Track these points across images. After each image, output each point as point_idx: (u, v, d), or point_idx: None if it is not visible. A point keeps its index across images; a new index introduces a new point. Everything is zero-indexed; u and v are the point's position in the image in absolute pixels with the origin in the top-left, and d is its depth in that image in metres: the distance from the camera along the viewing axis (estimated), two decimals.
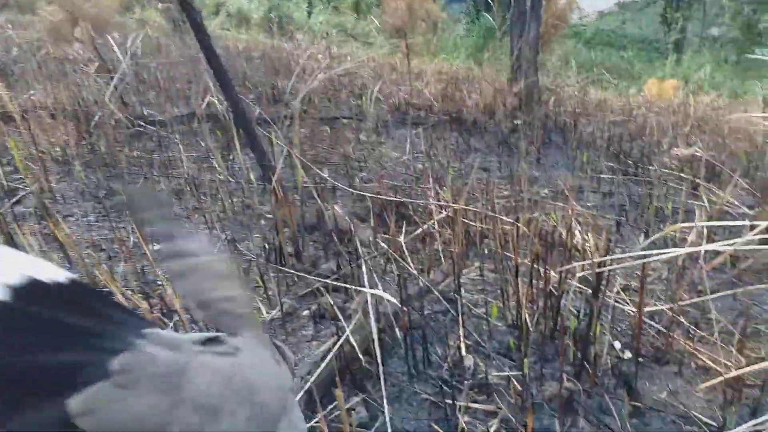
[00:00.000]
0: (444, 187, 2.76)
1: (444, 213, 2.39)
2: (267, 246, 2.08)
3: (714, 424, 1.46)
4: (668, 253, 1.53)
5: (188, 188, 2.73)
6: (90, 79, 4.11)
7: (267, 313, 1.83)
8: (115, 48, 4.43)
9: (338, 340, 1.48)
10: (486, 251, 2.36)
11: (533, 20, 4.49)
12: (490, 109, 4.75)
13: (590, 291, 1.61)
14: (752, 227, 1.64)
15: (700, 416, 1.49)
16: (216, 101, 3.60)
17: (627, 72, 9.74)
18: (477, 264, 2.25)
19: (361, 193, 2.68)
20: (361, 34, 9.75)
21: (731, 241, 1.46)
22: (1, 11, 8.62)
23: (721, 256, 1.43)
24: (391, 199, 2.55)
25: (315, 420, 1.24)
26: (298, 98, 2.89)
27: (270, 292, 1.91)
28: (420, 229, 2.37)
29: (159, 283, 1.86)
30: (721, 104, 6.30)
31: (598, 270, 1.45)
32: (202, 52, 2.06)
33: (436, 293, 1.89)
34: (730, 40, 12.53)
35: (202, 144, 3.33)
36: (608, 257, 1.52)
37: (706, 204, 2.63)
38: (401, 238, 2.20)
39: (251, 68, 5.60)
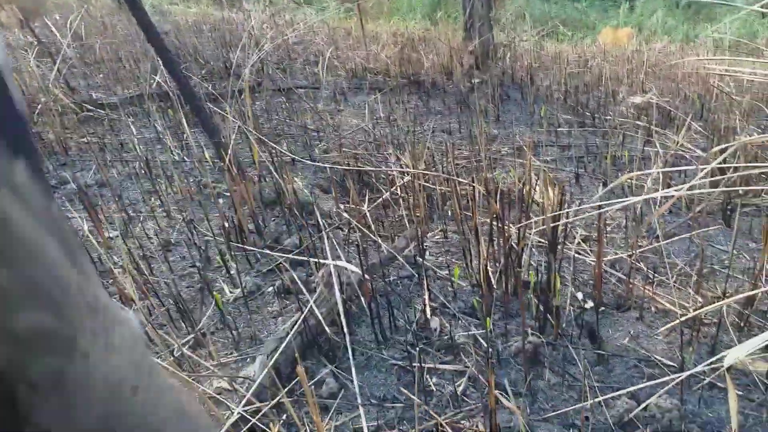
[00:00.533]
0: (405, 152, 2.75)
1: (406, 178, 2.38)
2: (226, 225, 2.05)
3: (674, 365, 1.51)
4: (623, 202, 1.55)
5: (143, 171, 2.66)
6: (31, 65, 3.94)
7: (230, 292, 1.81)
8: (51, 30, 4.24)
9: (303, 314, 1.48)
10: (449, 213, 2.36)
11: None
12: (448, 69, 4.71)
13: (548, 244, 1.63)
14: (703, 169, 1.67)
15: (660, 359, 1.54)
16: (165, 80, 3.49)
17: (582, 23, 9.75)
18: (441, 227, 2.25)
19: (321, 165, 2.65)
20: (313, 0, 9.52)
21: (683, 186, 1.49)
22: None
23: (672, 200, 1.46)
24: (353, 168, 2.52)
25: (278, 397, 1.24)
26: (246, 69, 2.82)
27: (232, 272, 1.89)
28: (382, 197, 2.36)
29: (115, 271, 1.82)
30: (674, 50, 6.37)
31: (553, 224, 1.46)
32: (141, 29, 1.98)
33: (401, 259, 1.89)
34: None
35: (154, 125, 3.24)
36: (563, 210, 1.53)
37: (661, 150, 2.67)
38: (365, 207, 2.19)
39: (202, 42, 5.44)
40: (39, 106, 3.29)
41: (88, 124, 3.40)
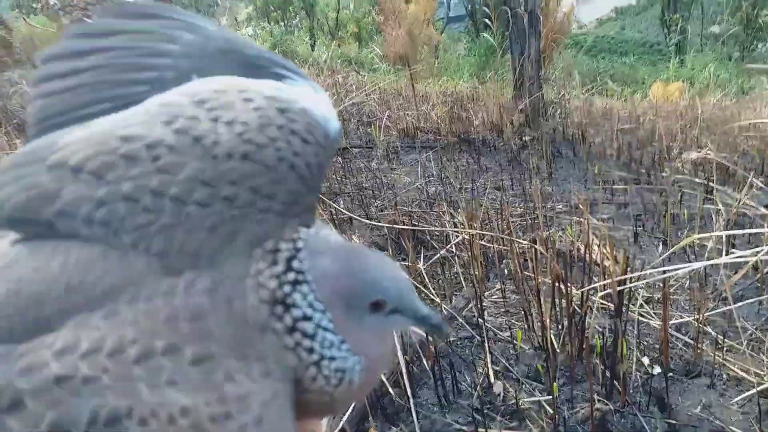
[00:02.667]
0: (458, 210, 2.78)
1: (460, 236, 2.40)
2: None
3: None
4: (689, 267, 1.53)
5: None
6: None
7: None
8: None
9: None
10: (506, 271, 2.36)
11: (533, 36, 4.54)
12: (498, 127, 4.78)
13: (613, 307, 1.61)
14: None
15: (736, 430, 1.48)
16: None
17: (631, 78, 9.76)
18: (498, 286, 2.25)
19: (377, 224, 2.70)
20: (364, 62, 9.88)
21: (752, 251, 1.46)
22: (15, 67, 8.84)
23: (745, 267, 1.43)
24: (408, 228, 2.57)
25: None
26: None
27: None
28: (438, 254, 2.38)
29: None
30: (728, 103, 6.28)
31: (619, 288, 1.46)
32: None
33: (460, 319, 1.90)
34: (732, 37, 12.54)
35: None
36: (629, 275, 1.53)
37: (722, 208, 2.62)
38: (420, 264, 2.22)
39: None
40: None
41: None
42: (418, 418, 1.47)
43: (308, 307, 0.34)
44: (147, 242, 0.34)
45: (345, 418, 1.35)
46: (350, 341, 0.36)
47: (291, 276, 0.34)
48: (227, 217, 0.36)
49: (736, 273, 2.18)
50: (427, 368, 1.65)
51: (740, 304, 2.03)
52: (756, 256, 1.38)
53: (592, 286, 1.67)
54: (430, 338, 1.59)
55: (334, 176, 3.65)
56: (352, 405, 1.39)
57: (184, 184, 0.35)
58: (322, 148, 0.40)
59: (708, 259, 2.35)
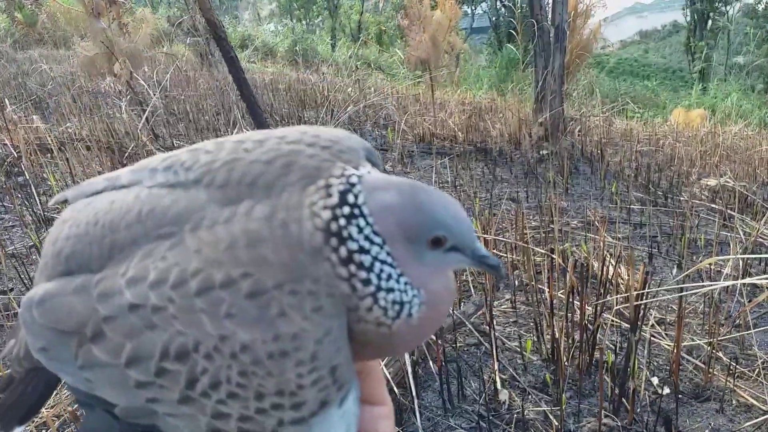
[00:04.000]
0: (472, 218, 2.76)
1: None
2: None
3: None
4: (705, 286, 1.50)
5: None
6: (122, 112, 4.22)
7: None
8: (142, 81, 4.55)
9: None
10: (517, 282, 2.34)
11: (558, 51, 4.52)
12: (515, 139, 4.76)
13: (626, 325, 1.58)
14: None
15: None
16: (245, 131, 3.66)
17: (652, 101, 9.70)
18: (508, 296, 2.23)
19: None
20: (384, 65, 9.89)
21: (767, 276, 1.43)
22: (36, 46, 8.93)
23: (764, 294, 1.40)
24: None
25: None
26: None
27: None
28: None
29: None
30: (750, 133, 6.23)
31: (636, 303, 1.43)
32: (236, 84, 2.11)
33: (469, 326, 1.87)
34: (757, 68, 12.46)
35: None
36: (646, 290, 1.50)
37: (741, 235, 2.58)
38: None
39: (278, 100, 5.71)
40: (129, 150, 3.50)
41: None
42: (421, 420, 1.45)
43: (365, 240, 0.34)
44: (210, 177, 0.36)
45: None
46: (409, 275, 0.35)
47: (346, 209, 0.34)
48: (282, 151, 0.37)
49: (751, 301, 2.15)
50: (434, 371, 1.63)
51: (754, 331, 2.00)
52: None
53: (608, 299, 1.64)
54: (438, 341, 1.56)
55: None
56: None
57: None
58: None
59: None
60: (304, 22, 15.09)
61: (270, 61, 10.67)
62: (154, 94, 4.57)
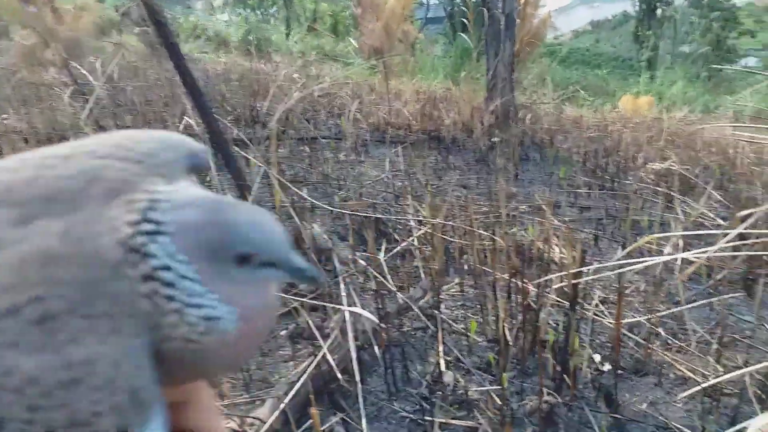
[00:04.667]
0: (423, 204, 2.77)
1: (423, 229, 2.39)
2: None
3: None
4: (644, 262, 1.54)
5: None
6: (65, 104, 4.08)
7: None
8: (84, 71, 4.40)
9: (317, 360, 1.46)
10: (466, 267, 2.36)
11: (508, 39, 4.56)
12: (468, 127, 4.79)
13: (568, 303, 1.61)
14: (725, 236, 1.66)
15: (679, 427, 1.49)
16: (193, 123, 3.58)
17: (602, 89, 9.92)
18: (457, 280, 2.24)
19: (340, 210, 2.67)
20: (340, 55, 9.82)
21: (704, 250, 1.48)
22: None
23: (694, 265, 1.45)
24: (370, 216, 2.54)
25: None
26: (275, 117, 2.89)
27: None
28: (399, 247, 2.36)
29: None
30: (694, 119, 6.43)
31: (574, 281, 1.45)
32: (178, 73, 2.05)
33: (416, 309, 1.88)
34: (701, 56, 12.86)
35: None
36: (584, 268, 1.53)
37: (681, 216, 2.66)
38: (381, 256, 2.19)
39: (230, 90, 5.60)
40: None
41: None
42: (365, 405, 1.45)
43: (167, 257, 0.32)
44: (7, 196, 0.33)
45: (287, 400, 1.31)
46: (219, 292, 0.33)
47: (147, 226, 0.32)
48: (88, 166, 0.34)
49: (687, 274, 2.22)
50: (379, 356, 1.63)
51: (691, 306, 2.06)
52: (705, 254, 1.39)
53: (548, 277, 1.67)
54: (382, 325, 1.56)
55: (299, 165, 3.61)
56: (294, 389, 1.36)
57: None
58: None
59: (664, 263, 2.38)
60: (258, 12, 14.85)
61: (223, 51, 10.46)
62: (99, 84, 4.43)
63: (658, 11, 15.86)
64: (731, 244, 2.32)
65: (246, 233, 0.34)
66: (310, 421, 1.35)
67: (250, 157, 2.46)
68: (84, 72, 4.61)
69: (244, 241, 0.34)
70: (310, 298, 1.92)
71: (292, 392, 1.33)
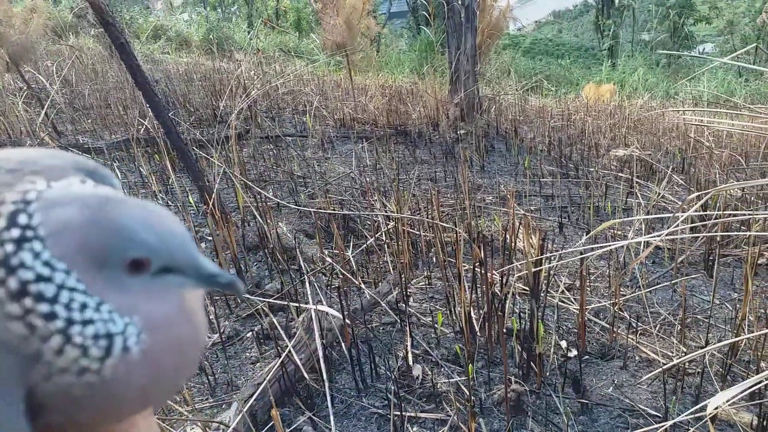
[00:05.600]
0: (391, 199, 2.76)
1: (391, 224, 2.38)
2: None
3: (658, 414, 1.49)
4: (605, 246, 1.56)
5: None
6: (19, 109, 3.95)
7: (208, 337, 1.77)
8: (39, 76, 4.28)
9: (281, 360, 1.44)
10: (434, 260, 2.36)
11: (469, 32, 4.57)
12: (434, 121, 4.80)
13: (530, 292, 1.62)
14: (681, 216, 1.68)
15: (645, 408, 1.51)
16: (152, 125, 3.51)
17: (565, 79, 10.05)
18: (425, 273, 2.24)
19: (306, 209, 2.65)
20: (304, 52, 9.74)
21: (664, 232, 1.50)
22: None
23: (650, 247, 1.47)
24: (337, 212, 2.52)
25: None
26: (233, 114, 2.85)
27: (211, 317, 1.86)
28: (367, 242, 2.35)
29: None
30: (655, 105, 6.55)
31: (535, 269, 1.46)
32: (128, 72, 2.00)
33: (383, 305, 1.87)
34: (660, 44, 13.12)
35: (140, 170, 3.24)
36: (545, 255, 1.54)
37: (642, 201, 2.70)
38: (349, 252, 2.18)
39: (192, 91, 5.51)
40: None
41: None
42: (333, 403, 1.44)
43: (44, 266, 0.27)
44: None
45: (252, 399, 1.29)
46: (113, 302, 0.28)
47: (15, 232, 0.27)
48: None
49: (644, 256, 2.26)
50: (346, 353, 1.62)
51: (653, 288, 2.10)
52: (666, 237, 1.41)
53: (511, 266, 1.67)
54: (347, 322, 1.55)
55: (264, 163, 3.57)
56: (257, 391, 1.34)
57: None
58: None
59: (628, 247, 2.42)
60: (219, 10, 14.65)
61: (185, 50, 10.29)
62: (54, 88, 4.31)
63: (617, 0, 16.15)
64: (689, 225, 2.37)
65: (137, 235, 0.29)
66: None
67: (211, 158, 2.42)
68: (39, 76, 4.49)
69: (136, 245, 0.29)
70: (276, 298, 1.90)
71: (256, 394, 1.31)
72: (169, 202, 2.84)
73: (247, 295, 1.90)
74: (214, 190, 2.08)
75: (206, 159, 2.67)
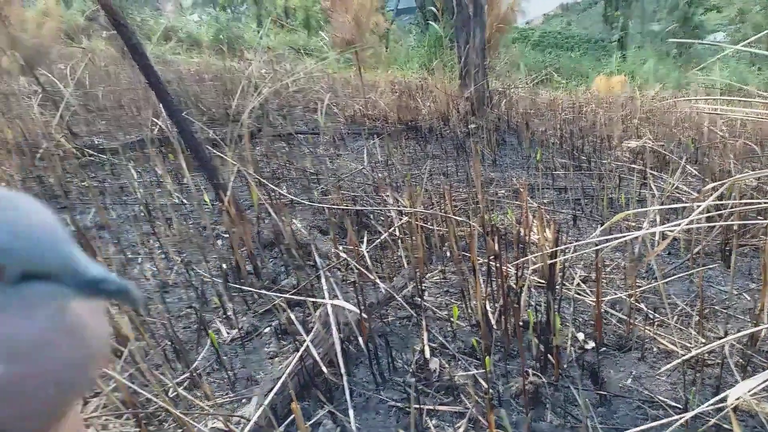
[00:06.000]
0: (403, 194, 2.76)
1: (404, 219, 2.38)
2: (224, 266, 2.04)
3: (678, 406, 1.48)
4: (620, 238, 1.55)
5: (142, 214, 2.67)
6: (35, 112, 4.00)
7: (227, 333, 1.79)
8: (54, 78, 4.32)
9: (299, 354, 1.45)
10: (448, 254, 2.36)
11: (477, 26, 4.56)
12: (445, 115, 4.80)
13: (546, 284, 1.62)
14: (698, 208, 1.67)
15: (664, 399, 1.51)
16: (166, 125, 3.54)
17: (575, 71, 9.98)
18: (440, 267, 2.25)
19: (319, 205, 2.66)
20: (313, 50, 9.76)
21: (676, 223, 1.49)
22: None
23: (668, 239, 1.46)
24: (349, 208, 2.53)
25: None
26: (245, 113, 2.86)
27: (229, 313, 1.88)
28: (381, 237, 2.36)
29: (111, 312, 1.80)
30: (666, 96, 6.50)
31: (550, 261, 1.46)
32: (142, 73, 2.02)
33: (399, 299, 1.88)
34: (670, 34, 13.00)
35: (155, 169, 3.27)
36: (560, 247, 1.53)
37: (656, 192, 2.69)
38: (363, 248, 2.19)
39: (203, 90, 5.54)
40: (41, 151, 3.32)
41: (89, 169, 3.43)
42: (351, 396, 1.44)
43: None
44: None
45: (272, 393, 1.31)
46: None
47: None
48: None
49: (661, 248, 2.24)
50: (363, 347, 1.63)
51: (670, 279, 2.09)
52: (678, 227, 1.41)
53: (525, 259, 1.68)
54: (364, 316, 1.55)
55: (276, 161, 3.58)
56: (277, 385, 1.35)
57: None
58: None
59: (643, 239, 2.41)
60: (228, 10, 14.71)
61: (196, 51, 10.35)
62: (68, 91, 4.35)
63: None
64: (705, 215, 2.35)
65: None
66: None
67: (225, 157, 2.44)
68: (53, 79, 4.53)
69: None
70: (293, 294, 1.91)
71: (276, 388, 1.32)
72: (184, 201, 2.86)
73: (265, 291, 1.92)
74: (229, 188, 2.09)
75: (220, 157, 2.69)
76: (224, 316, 1.88)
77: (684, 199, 2.87)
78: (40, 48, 3.98)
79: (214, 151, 2.88)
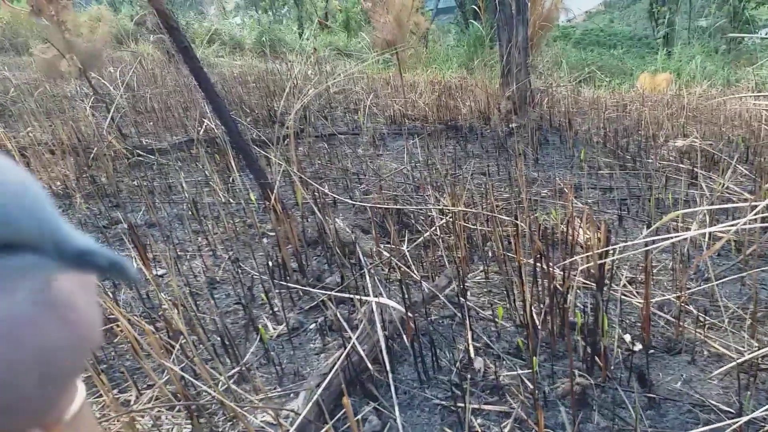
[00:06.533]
0: (444, 194, 2.77)
1: (445, 218, 2.39)
2: (270, 263, 2.09)
3: (731, 410, 1.45)
4: (670, 238, 1.52)
5: (189, 212, 2.75)
6: (87, 114, 4.15)
7: (274, 329, 1.83)
8: (105, 82, 4.47)
9: (346, 351, 1.48)
10: (490, 254, 2.35)
11: (520, 24, 4.52)
12: (485, 114, 4.77)
13: (595, 284, 1.60)
14: (752, 209, 1.63)
15: (716, 404, 1.47)
16: (213, 126, 3.63)
17: (619, 69, 9.78)
18: (481, 267, 2.24)
19: (362, 204, 2.68)
20: (353, 51, 9.83)
21: (730, 224, 1.46)
22: None
23: (721, 240, 1.43)
24: (391, 207, 2.55)
25: (323, 430, 1.23)
26: (291, 115, 2.91)
27: (276, 309, 1.91)
28: (422, 237, 2.37)
29: (163, 306, 1.86)
30: (714, 93, 6.31)
31: (599, 262, 1.45)
32: (192, 75, 2.08)
33: (442, 298, 1.88)
34: (719, 30, 12.61)
35: (202, 169, 3.35)
36: (609, 248, 1.52)
37: (706, 192, 2.62)
38: (404, 247, 2.20)
39: (247, 92, 5.65)
40: (94, 151, 3.44)
41: (139, 169, 3.54)
42: (396, 394, 1.46)
43: None
44: None
45: (321, 388, 1.33)
46: None
47: None
48: None
49: (715, 250, 2.19)
50: (408, 345, 1.64)
51: (722, 281, 2.04)
52: (734, 227, 1.37)
53: (573, 259, 1.66)
54: (409, 314, 1.57)
55: (319, 161, 3.63)
56: (326, 381, 1.38)
57: None
58: None
59: (691, 239, 2.36)
60: (270, 13, 14.94)
61: (238, 54, 10.54)
62: (119, 93, 4.50)
63: None
64: (759, 216, 2.28)
65: None
66: (344, 410, 1.37)
67: (270, 156, 2.49)
68: (104, 82, 4.69)
69: None
70: (337, 291, 1.94)
71: (324, 383, 1.35)
72: (231, 200, 2.93)
73: (310, 288, 1.95)
74: (276, 187, 2.13)
75: (266, 157, 2.75)
76: (271, 312, 1.92)
77: (735, 199, 2.79)
78: (93, 52, 4.12)
79: (260, 151, 2.94)
